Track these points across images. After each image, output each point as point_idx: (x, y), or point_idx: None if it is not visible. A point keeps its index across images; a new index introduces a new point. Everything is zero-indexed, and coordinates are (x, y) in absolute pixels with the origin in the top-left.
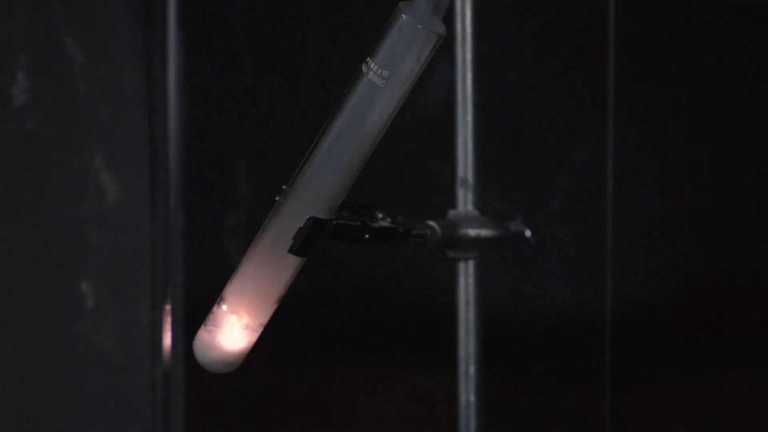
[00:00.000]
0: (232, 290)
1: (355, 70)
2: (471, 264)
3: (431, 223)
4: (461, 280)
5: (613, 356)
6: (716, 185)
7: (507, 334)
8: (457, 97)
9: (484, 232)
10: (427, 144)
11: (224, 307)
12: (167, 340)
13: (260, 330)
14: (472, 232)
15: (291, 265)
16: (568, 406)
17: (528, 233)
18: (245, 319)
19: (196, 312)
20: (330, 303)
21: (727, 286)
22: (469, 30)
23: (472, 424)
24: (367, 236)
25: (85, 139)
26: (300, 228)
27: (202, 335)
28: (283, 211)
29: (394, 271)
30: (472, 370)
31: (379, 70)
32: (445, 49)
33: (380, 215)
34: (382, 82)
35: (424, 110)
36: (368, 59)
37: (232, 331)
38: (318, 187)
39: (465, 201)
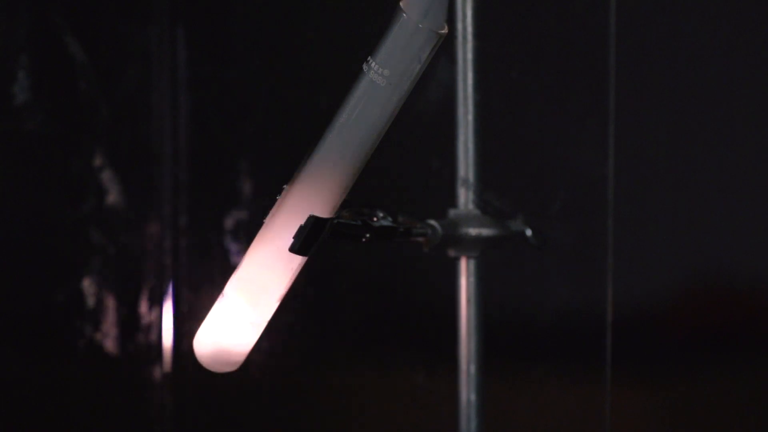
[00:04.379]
0: (232, 290)
1: (357, 70)
2: (472, 263)
3: (432, 222)
4: (462, 279)
5: (614, 356)
6: (717, 185)
7: (507, 333)
8: (458, 96)
9: (485, 232)
10: (428, 143)
11: (225, 306)
12: (167, 339)
13: (261, 329)
14: (472, 231)
15: (292, 263)
16: (568, 406)
17: (529, 232)
18: (246, 319)
19: (197, 311)
20: (331, 302)
21: (728, 286)
22: (470, 29)
23: (473, 423)
24: (367, 235)
25: (85, 138)
26: (301, 227)
27: (203, 334)
28: (284, 210)
29: (394, 270)
30: (472, 369)
31: (380, 69)
32: (446, 48)
33: (381, 214)
34: (383, 82)
35: (425, 109)
36: (369, 58)
37: (233, 330)
38: (319, 186)
39: (466, 200)
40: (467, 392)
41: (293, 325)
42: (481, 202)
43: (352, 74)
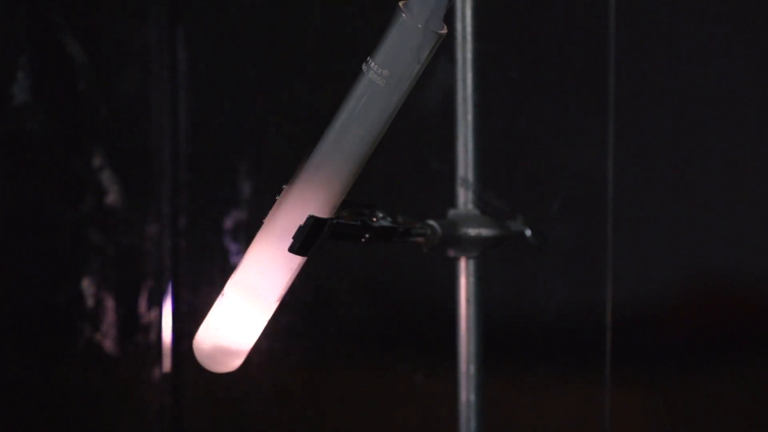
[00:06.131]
0: (231, 289)
1: (357, 70)
2: (471, 263)
3: (431, 222)
4: (462, 279)
5: (614, 356)
6: (717, 185)
7: (507, 333)
8: (458, 97)
9: (485, 232)
10: (428, 143)
11: (224, 306)
12: (167, 339)
13: (261, 329)
14: (472, 231)
15: (291, 264)
16: (568, 406)
17: (528, 233)
18: (246, 319)
19: (197, 311)
20: (330, 303)
21: (727, 286)
22: (469, 29)
23: (472, 423)
24: (367, 236)
25: (85, 138)
26: (300, 227)
27: (203, 334)
28: (284, 210)
29: (394, 270)
30: (472, 369)
31: (380, 70)
32: (446, 48)
33: (380, 214)
34: (383, 82)
35: (425, 109)
36: (369, 59)
37: (233, 330)
38: (318, 186)
39: (465, 200)
40: (467, 392)
41: (293, 325)
42: (481, 202)
43: (352, 74)
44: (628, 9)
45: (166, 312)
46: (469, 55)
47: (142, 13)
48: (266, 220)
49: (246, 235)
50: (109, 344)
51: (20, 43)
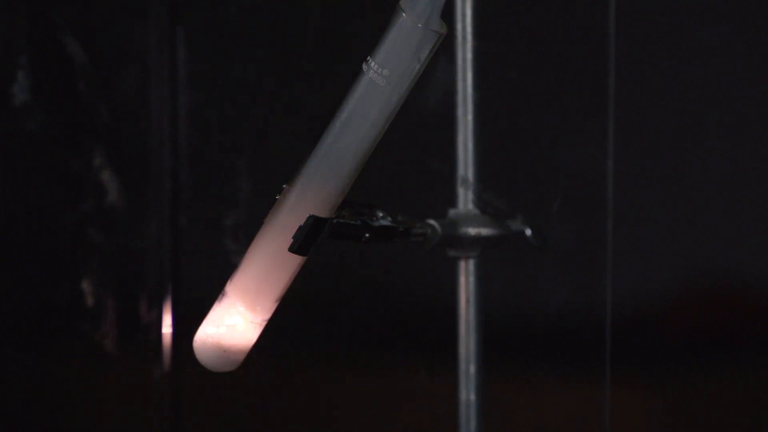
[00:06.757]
0: (231, 289)
1: (357, 70)
2: (471, 263)
3: (431, 222)
4: (462, 279)
5: (614, 356)
6: (717, 185)
7: (507, 333)
8: (458, 96)
9: (485, 231)
10: (428, 143)
11: (224, 306)
12: (167, 339)
13: (260, 329)
14: (472, 231)
15: (291, 263)
16: (568, 406)
17: (528, 232)
18: (246, 318)
19: (197, 311)
20: (330, 303)
21: (727, 286)
22: (469, 29)
23: (473, 423)
24: (367, 235)
25: (85, 138)
26: (300, 227)
27: (202, 334)
28: (284, 209)
29: (394, 270)
30: (472, 369)
31: (380, 69)
32: (446, 48)
33: (380, 214)
34: (383, 81)
35: (425, 109)
36: (369, 58)
37: (232, 330)
38: (318, 186)
39: (465, 200)
40: (467, 392)
41: (293, 325)
42: (481, 201)
43: (352, 74)
44: (628, 9)
45: (167, 312)
46: (469, 55)
47: (142, 13)
48: (266, 220)
49: (246, 235)
50: (109, 344)
51: (20, 43)
